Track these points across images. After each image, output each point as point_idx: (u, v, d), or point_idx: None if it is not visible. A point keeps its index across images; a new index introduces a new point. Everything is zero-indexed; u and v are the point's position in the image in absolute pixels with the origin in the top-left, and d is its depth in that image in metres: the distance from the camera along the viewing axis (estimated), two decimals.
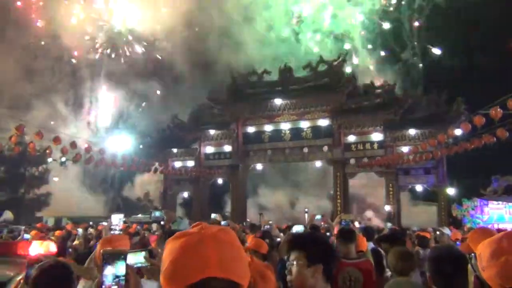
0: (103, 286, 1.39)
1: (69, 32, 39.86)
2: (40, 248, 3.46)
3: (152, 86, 43.94)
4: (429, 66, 41.45)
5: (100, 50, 45.01)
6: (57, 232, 10.63)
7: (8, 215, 19.98)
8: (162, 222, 17.63)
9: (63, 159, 18.14)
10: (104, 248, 1.56)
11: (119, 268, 1.39)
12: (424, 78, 40.77)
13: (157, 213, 20.53)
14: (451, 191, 25.98)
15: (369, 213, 29.60)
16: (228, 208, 30.89)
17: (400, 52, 43.71)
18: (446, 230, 7.62)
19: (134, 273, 1.44)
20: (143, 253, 2.01)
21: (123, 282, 1.39)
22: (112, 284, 1.39)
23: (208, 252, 1.06)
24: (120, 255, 1.42)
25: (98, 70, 44.00)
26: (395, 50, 43.78)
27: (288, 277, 2.14)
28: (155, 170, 24.52)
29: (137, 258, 2.00)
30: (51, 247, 3.58)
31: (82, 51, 42.81)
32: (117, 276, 1.39)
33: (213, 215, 18.96)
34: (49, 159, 18.25)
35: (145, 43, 45.43)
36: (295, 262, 2.11)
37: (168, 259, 1.09)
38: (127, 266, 1.42)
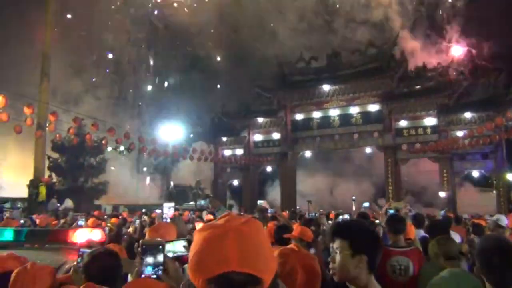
0: (143, 275, 1.47)
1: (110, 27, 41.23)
2: (88, 235, 3.61)
3: (201, 77, 44.58)
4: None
5: (142, 45, 46.24)
6: (113, 220, 11.10)
7: (68, 203, 21.05)
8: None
9: (122, 148, 18.90)
10: (144, 239, 1.63)
11: (157, 258, 1.46)
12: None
13: (202, 202, 20.96)
14: (510, 176, 24.78)
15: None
16: (277, 196, 30.97)
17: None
18: (503, 218, 7.27)
19: (172, 262, 1.49)
20: (183, 242, 2.07)
21: (161, 272, 1.46)
22: (151, 274, 1.46)
23: (230, 246, 1.07)
24: (158, 245, 1.49)
25: (141, 63, 45.25)
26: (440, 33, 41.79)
27: (331, 265, 2.11)
28: (206, 159, 24.98)
29: (176, 247, 2.07)
30: (99, 234, 3.74)
31: (124, 45, 44.09)
32: (155, 266, 1.46)
33: (259, 202, 19.12)
34: (109, 148, 19.01)
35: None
36: (338, 251, 2.07)
37: (193, 251, 1.12)
38: (165, 256, 1.47)
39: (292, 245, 2.61)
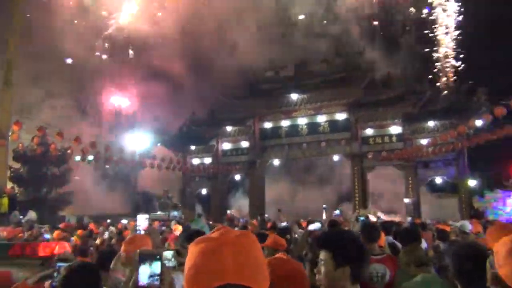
0: (139, 285, 1.45)
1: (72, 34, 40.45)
2: (52, 248, 3.45)
3: (169, 85, 44.17)
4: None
5: (103, 55, 45.64)
6: (79, 232, 10.83)
7: (31, 215, 20.36)
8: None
9: (90, 157, 18.52)
10: (141, 249, 1.61)
11: (155, 268, 1.45)
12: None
13: (175, 212, 20.69)
14: (472, 183, 25.64)
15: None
16: (245, 204, 30.89)
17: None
18: (467, 224, 7.51)
19: (169, 272, 1.48)
20: (171, 252, 2.05)
21: (158, 282, 1.44)
22: (148, 283, 1.45)
23: (226, 258, 1.08)
24: (155, 255, 1.48)
25: (107, 71, 44.52)
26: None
27: (317, 277, 2.12)
28: (174, 168, 24.73)
29: (165, 257, 2.03)
30: (65, 247, 3.60)
31: (84, 54, 43.35)
32: (152, 276, 1.45)
33: (229, 211, 19.04)
34: (77, 158, 18.57)
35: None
36: (323, 262, 2.09)
37: (189, 264, 1.12)
38: (163, 265, 1.46)
39: (280, 255, 2.61)
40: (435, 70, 40.52)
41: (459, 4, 44.53)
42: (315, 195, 30.31)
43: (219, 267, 1.07)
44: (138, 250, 1.51)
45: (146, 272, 1.44)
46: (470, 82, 25.49)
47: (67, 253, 3.32)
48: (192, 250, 1.14)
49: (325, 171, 30.62)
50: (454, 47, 43.14)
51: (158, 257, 1.46)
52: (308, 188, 31.53)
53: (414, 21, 45.20)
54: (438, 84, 30.01)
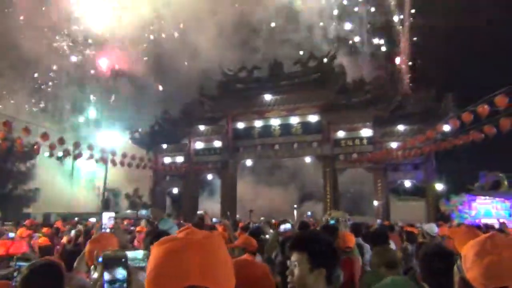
0: None
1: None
2: (8, 247, 3.22)
3: (142, 83, 43.63)
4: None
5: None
6: (45, 229, 10.54)
7: None
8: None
9: (60, 154, 18.05)
10: (101, 250, 1.52)
11: (120, 272, 1.36)
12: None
13: (144, 212, 20.41)
14: (439, 186, 26.24)
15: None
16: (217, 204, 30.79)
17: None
18: (434, 227, 7.66)
19: (136, 275, 1.42)
20: (142, 252, 1.96)
21: (125, 285, 1.36)
22: None
23: (191, 260, 1.05)
24: (120, 259, 1.39)
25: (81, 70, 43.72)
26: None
27: (289, 279, 2.06)
28: (144, 166, 24.41)
29: (134, 257, 1.95)
30: (23, 246, 3.41)
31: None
32: (117, 280, 1.36)
33: (199, 212, 18.78)
34: (45, 154, 18.03)
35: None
36: (296, 264, 2.01)
37: (152, 265, 1.08)
38: (129, 269, 1.39)
39: (245, 256, 2.57)
40: (404, 75, 41.55)
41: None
42: (286, 195, 30.53)
43: (183, 269, 1.04)
44: (101, 255, 1.42)
45: (111, 277, 1.37)
46: (438, 88, 26.09)
47: (28, 253, 3.15)
48: (156, 250, 1.10)
49: (296, 172, 30.88)
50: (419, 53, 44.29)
51: (123, 260, 1.39)
52: (279, 188, 31.74)
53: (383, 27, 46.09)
54: (407, 89, 30.52)
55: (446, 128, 17.32)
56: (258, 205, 31.06)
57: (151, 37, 46.17)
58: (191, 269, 1.04)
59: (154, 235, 3.37)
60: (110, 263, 1.37)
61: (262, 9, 42.41)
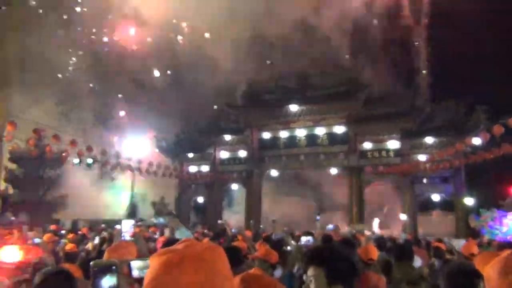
0: None
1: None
2: (17, 253, 3.09)
3: (168, 91, 44.18)
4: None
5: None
6: (71, 235, 10.73)
7: (22, 216, 20.26)
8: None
9: (90, 160, 18.43)
10: (95, 260, 1.51)
11: (109, 282, 1.34)
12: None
13: (161, 219, 20.51)
14: (469, 201, 25.52)
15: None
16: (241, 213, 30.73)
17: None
18: (461, 243, 7.44)
19: (127, 285, 1.39)
20: (145, 260, 1.93)
21: None
22: None
23: (188, 272, 1.02)
24: (110, 266, 1.37)
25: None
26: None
27: None
28: (170, 174, 24.66)
29: (143, 266, 1.92)
30: (32, 252, 3.32)
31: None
32: None
33: (219, 221, 18.79)
34: (75, 161, 18.42)
35: None
36: (313, 279, 1.96)
37: (149, 277, 1.05)
38: (119, 278, 1.36)
39: (254, 270, 2.52)
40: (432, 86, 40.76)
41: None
42: (309, 206, 30.24)
43: (180, 282, 1.01)
44: (91, 263, 1.41)
45: (99, 286, 1.34)
46: (469, 100, 25.51)
47: (44, 258, 3.15)
48: (154, 262, 1.07)
49: (321, 183, 30.53)
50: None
51: (113, 268, 1.36)
52: (302, 199, 31.43)
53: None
54: (436, 101, 29.92)
55: (476, 141, 16.92)
56: (281, 215, 30.82)
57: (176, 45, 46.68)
58: (186, 282, 1.01)
59: (164, 244, 3.38)
60: (99, 271, 1.35)
61: (289, 20, 42.58)
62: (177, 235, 3.43)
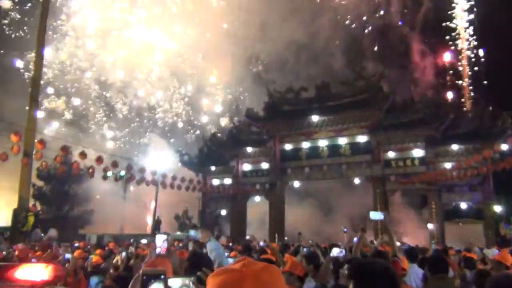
0: None
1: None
2: (36, 272, 2.93)
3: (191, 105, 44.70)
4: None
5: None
6: (99, 251, 10.82)
7: (53, 232, 20.52)
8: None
9: (122, 173, 18.70)
10: (144, 268, 1.53)
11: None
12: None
13: (192, 232, 20.53)
14: (498, 208, 24.90)
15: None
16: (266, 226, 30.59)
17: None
18: (494, 251, 7.23)
19: None
20: (191, 278, 1.91)
21: None
22: None
23: None
24: (159, 275, 1.41)
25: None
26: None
27: None
28: (194, 188, 24.78)
29: (183, 283, 1.92)
30: (55, 271, 3.17)
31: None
32: None
33: (247, 237, 18.72)
34: (109, 174, 18.61)
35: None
36: None
37: None
38: (166, 286, 1.39)
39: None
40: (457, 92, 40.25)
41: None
42: (335, 218, 29.88)
43: None
44: (141, 270, 1.44)
45: None
46: (494, 105, 25.07)
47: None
48: (212, 281, 1.08)
49: (344, 193, 30.21)
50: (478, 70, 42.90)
51: (162, 277, 1.40)
52: (327, 210, 31.15)
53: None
54: (461, 107, 29.48)
55: (504, 147, 16.56)
56: (305, 227, 30.51)
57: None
58: None
59: (189, 257, 3.39)
60: (149, 279, 1.39)
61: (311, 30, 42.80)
62: (208, 246, 3.42)
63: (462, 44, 45.30)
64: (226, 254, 6.24)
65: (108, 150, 30.95)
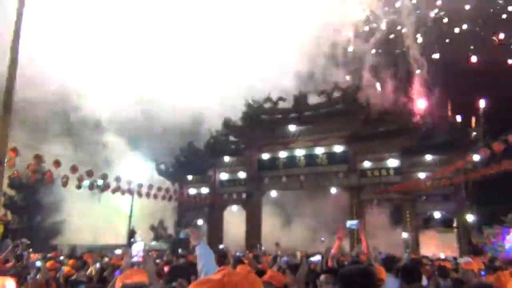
0: None
1: None
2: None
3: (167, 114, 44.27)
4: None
5: None
6: (71, 261, 10.58)
7: (25, 242, 19.99)
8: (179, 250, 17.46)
9: (86, 183, 18.29)
10: (124, 282, 1.49)
11: None
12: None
13: (182, 235, 20.17)
14: (470, 217, 25.39)
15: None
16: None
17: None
18: (468, 260, 7.34)
19: None
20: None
21: None
22: None
23: None
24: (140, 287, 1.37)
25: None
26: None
27: None
28: (170, 198, 24.53)
29: None
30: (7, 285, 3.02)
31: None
32: None
33: (220, 247, 18.45)
34: (73, 186, 18.20)
35: None
36: None
37: None
38: None
39: None
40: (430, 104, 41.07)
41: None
42: (310, 227, 30.00)
43: None
44: (120, 283, 1.41)
45: None
46: (467, 116, 25.71)
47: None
48: None
49: (321, 203, 30.35)
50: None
51: None
52: (303, 220, 31.21)
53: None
54: (435, 118, 30.05)
55: (476, 157, 16.93)
56: (282, 237, 30.45)
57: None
58: None
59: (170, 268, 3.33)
60: None
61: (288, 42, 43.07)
62: (198, 251, 3.34)
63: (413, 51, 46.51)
64: None
65: (84, 158, 30.30)
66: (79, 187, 16.91)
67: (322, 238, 24.60)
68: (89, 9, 38.28)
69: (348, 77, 38.42)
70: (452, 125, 25.93)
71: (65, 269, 8.32)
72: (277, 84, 33.43)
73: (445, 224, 27.37)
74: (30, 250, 8.59)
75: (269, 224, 30.61)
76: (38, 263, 7.33)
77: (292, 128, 29.06)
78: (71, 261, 10.78)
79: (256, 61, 40.34)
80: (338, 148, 28.09)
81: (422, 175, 24.83)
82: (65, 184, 16.07)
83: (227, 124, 31.03)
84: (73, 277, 7.62)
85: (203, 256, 3.41)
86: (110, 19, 37.50)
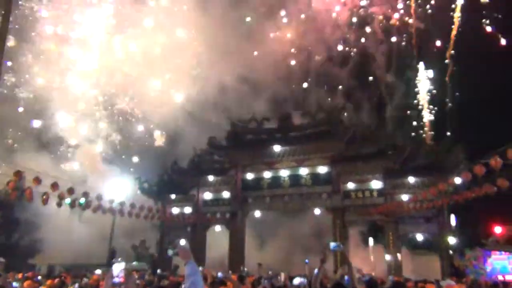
0: None
1: None
2: None
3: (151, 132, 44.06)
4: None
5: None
6: (49, 282, 10.31)
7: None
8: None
9: (83, 200, 18.00)
10: None
11: None
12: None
13: (170, 252, 19.91)
14: (452, 240, 25.52)
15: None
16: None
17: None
18: (450, 283, 7.38)
19: None
20: None
21: None
22: None
23: None
24: None
25: None
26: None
27: None
28: (153, 217, 24.18)
29: None
30: None
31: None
32: None
33: (200, 268, 18.15)
34: (53, 203, 17.84)
35: None
36: None
37: None
38: None
39: None
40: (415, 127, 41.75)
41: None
42: (294, 248, 29.77)
43: None
44: None
45: None
46: (448, 139, 26.09)
47: None
48: None
49: (305, 224, 30.25)
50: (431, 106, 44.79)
51: None
52: (286, 241, 30.99)
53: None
54: (418, 141, 30.51)
55: (458, 180, 17.12)
56: (264, 258, 30.14)
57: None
58: None
59: None
60: None
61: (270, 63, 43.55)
62: (186, 270, 3.27)
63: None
64: None
65: (64, 174, 29.71)
66: (59, 205, 16.57)
67: (307, 260, 24.33)
68: None
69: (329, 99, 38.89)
70: (435, 147, 26.28)
71: None
72: (258, 105, 33.75)
73: (427, 246, 27.47)
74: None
75: (252, 244, 30.36)
76: (15, 284, 7.14)
77: (276, 148, 29.13)
78: (49, 281, 10.49)
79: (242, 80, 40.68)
80: (322, 169, 28.20)
81: (405, 197, 24.99)
82: (45, 201, 15.73)
83: (212, 143, 30.96)
84: None
85: (191, 274, 3.40)
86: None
